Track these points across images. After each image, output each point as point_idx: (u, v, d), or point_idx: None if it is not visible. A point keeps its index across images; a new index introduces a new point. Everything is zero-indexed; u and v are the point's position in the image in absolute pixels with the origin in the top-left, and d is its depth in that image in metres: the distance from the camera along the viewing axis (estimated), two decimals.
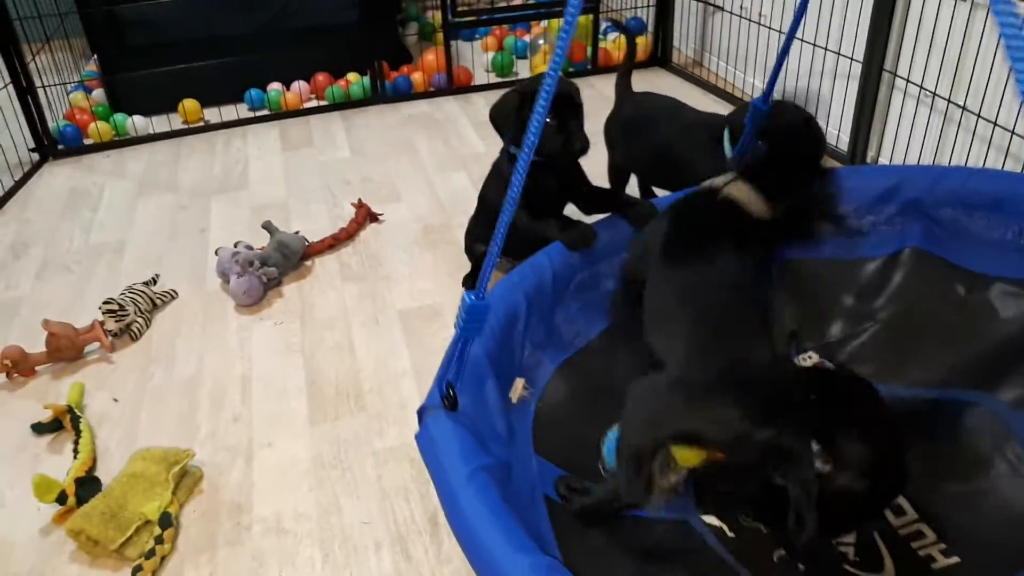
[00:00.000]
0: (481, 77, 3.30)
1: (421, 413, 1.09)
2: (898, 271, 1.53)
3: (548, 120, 1.60)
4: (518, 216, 1.15)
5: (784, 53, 1.50)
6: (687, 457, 1.10)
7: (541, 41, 3.43)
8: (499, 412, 1.18)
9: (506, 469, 1.08)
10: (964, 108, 2.00)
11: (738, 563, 1.16)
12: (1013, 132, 1.87)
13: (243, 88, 3.14)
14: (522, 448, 1.22)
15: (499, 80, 3.29)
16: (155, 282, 2.02)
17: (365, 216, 2.25)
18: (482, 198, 1.87)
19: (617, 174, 2.09)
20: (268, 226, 2.09)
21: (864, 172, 1.62)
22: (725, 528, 1.21)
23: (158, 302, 1.95)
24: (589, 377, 1.42)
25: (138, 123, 2.95)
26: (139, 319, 1.86)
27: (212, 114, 3.06)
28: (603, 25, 3.51)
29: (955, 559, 1.15)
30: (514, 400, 1.27)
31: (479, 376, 1.17)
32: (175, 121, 3.02)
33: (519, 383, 1.29)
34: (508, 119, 1.65)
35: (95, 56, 3.23)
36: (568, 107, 1.57)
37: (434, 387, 1.09)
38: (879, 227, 1.56)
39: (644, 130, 1.94)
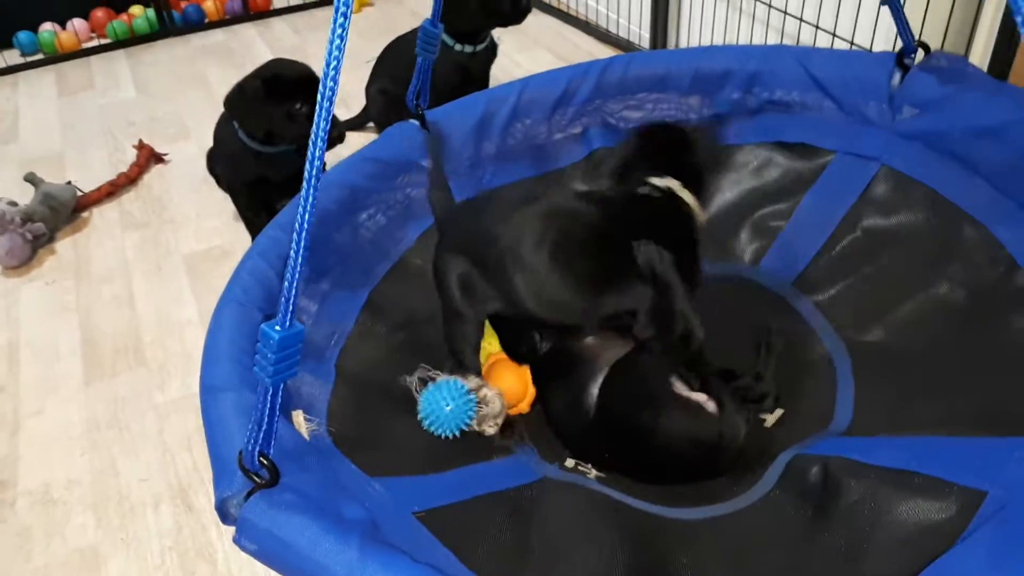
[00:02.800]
0: (281, 0, 3.08)
1: (223, 509, 0.82)
2: (598, 170, 1.52)
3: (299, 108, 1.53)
4: None
5: None
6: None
7: None
8: (308, 454, 0.96)
9: (369, 520, 0.87)
10: None
11: (631, 497, 1.08)
12: (785, 12, 1.91)
13: (10, 32, 2.81)
14: (355, 482, 1.02)
15: (301, 1, 3.08)
16: None
17: (148, 158, 2.07)
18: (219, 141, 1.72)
19: None
20: (31, 178, 1.88)
21: (534, 82, 1.52)
22: (589, 469, 1.14)
23: None
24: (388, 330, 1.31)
25: None
26: None
27: None
28: None
29: (779, 411, 1.17)
30: (306, 436, 1.03)
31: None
32: None
33: (298, 416, 1.05)
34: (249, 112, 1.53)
35: None
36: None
37: (229, 468, 0.82)
38: (565, 135, 1.54)
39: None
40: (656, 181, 1.19)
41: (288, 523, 0.78)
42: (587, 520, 1.03)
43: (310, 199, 0.71)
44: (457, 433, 1.11)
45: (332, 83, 0.67)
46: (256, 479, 0.80)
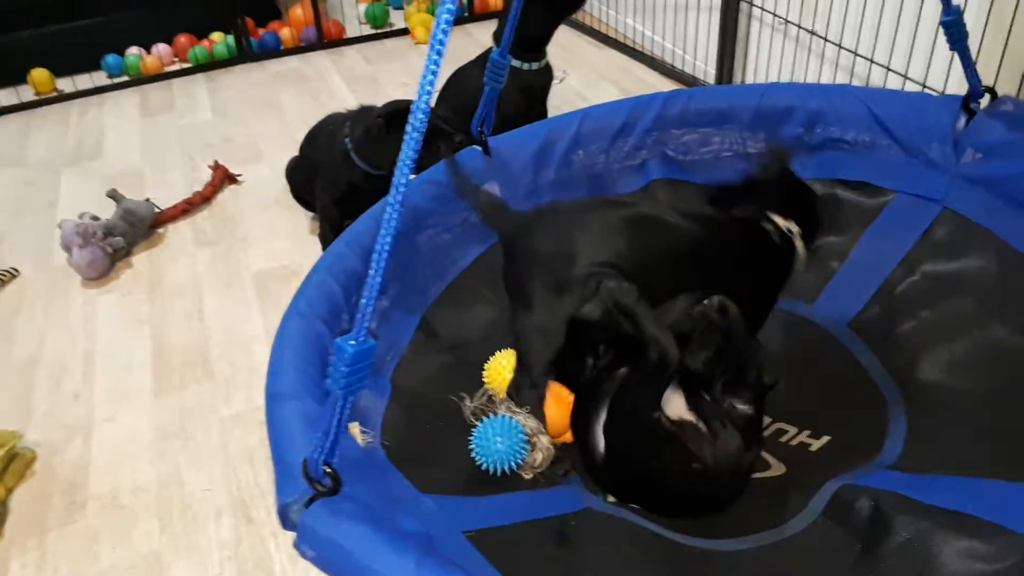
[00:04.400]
0: (354, 30, 3.18)
1: (285, 515, 0.85)
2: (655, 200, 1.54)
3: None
4: None
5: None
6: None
7: None
8: (366, 466, 1.02)
9: (425, 534, 0.91)
10: (813, 33, 2.02)
11: (672, 531, 1.09)
12: (855, 53, 1.90)
13: (99, 55, 2.96)
14: (409, 496, 1.06)
15: (372, 32, 3.18)
16: None
17: (222, 178, 2.16)
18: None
19: None
20: (114, 194, 1.98)
21: (595, 113, 1.57)
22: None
23: None
24: (441, 349, 1.34)
25: None
26: None
27: (67, 84, 2.88)
28: None
29: (826, 438, 1.17)
30: (362, 447, 1.07)
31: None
32: (25, 94, 2.84)
33: (354, 428, 1.09)
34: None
35: None
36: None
37: (292, 474, 0.86)
38: (623, 165, 1.56)
39: None
40: (779, 220, 1.20)
41: (348, 531, 0.81)
42: (628, 552, 1.04)
43: (393, 222, 0.76)
44: (503, 470, 1.13)
45: (423, 113, 0.73)
46: (319, 487, 0.83)
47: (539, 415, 1.18)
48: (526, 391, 1.18)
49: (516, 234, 1.17)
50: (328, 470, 0.84)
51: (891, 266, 1.35)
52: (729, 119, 1.54)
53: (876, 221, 1.39)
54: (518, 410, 1.18)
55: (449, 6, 0.73)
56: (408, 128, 0.73)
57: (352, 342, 0.79)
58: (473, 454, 1.14)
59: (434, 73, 0.73)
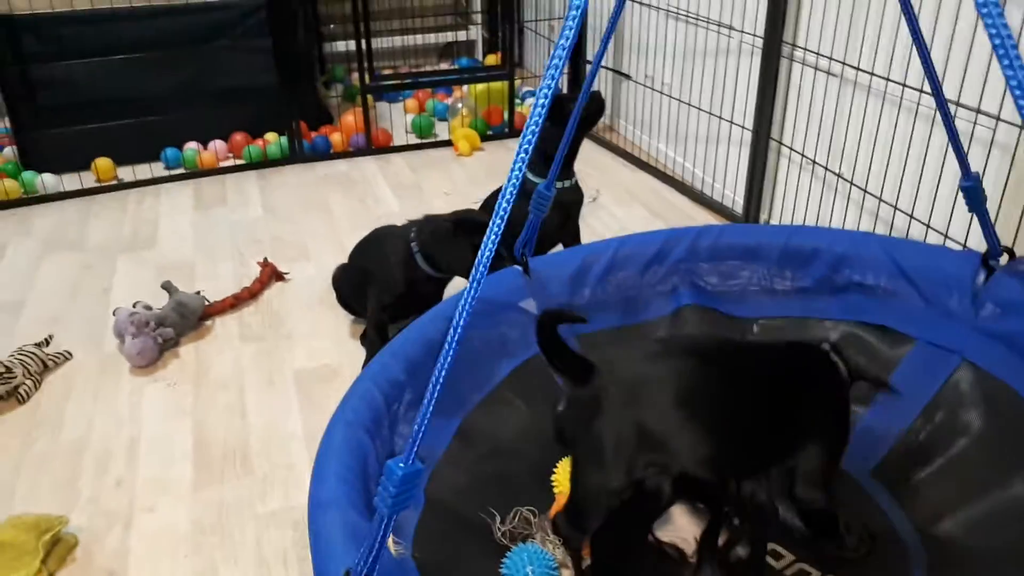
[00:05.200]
0: (400, 138, 3.36)
1: None
2: (683, 328, 1.63)
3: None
4: None
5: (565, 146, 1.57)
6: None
7: (460, 104, 3.52)
8: (401, 572, 1.07)
9: None
10: (840, 176, 2.13)
11: None
12: (880, 199, 2.00)
13: (159, 147, 3.14)
14: None
15: (418, 141, 3.36)
16: (48, 343, 1.99)
17: (270, 275, 2.27)
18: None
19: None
20: (168, 286, 2.09)
21: (631, 241, 1.68)
22: None
23: (50, 363, 1.93)
24: (477, 459, 1.39)
25: (48, 181, 2.93)
26: (28, 381, 1.84)
27: (126, 173, 3.05)
28: (520, 90, 3.62)
29: None
30: (395, 557, 1.12)
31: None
32: (87, 179, 3.01)
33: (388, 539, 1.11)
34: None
35: (6, 114, 3.20)
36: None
37: None
38: (655, 291, 1.66)
39: None
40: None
41: None
42: None
43: (453, 347, 0.84)
44: None
45: (498, 227, 0.83)
46: None
47: (573, 552, 1.22)
48: (571, 532, 1.18)
49: (598, 394, 1.16)
50: None
51: (913, 415, 1.40)
52: (757, 256, 1.63)
53: (899, 368, 1.45)
54: (551, 537, 1.22)
55: (543, 100, 0.82)
56: (484, 240, 0.82)
57: (402, 464, 0.85)
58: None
59: (515, 187, 0.83)
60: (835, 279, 1.57)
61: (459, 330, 0.84)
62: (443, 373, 0.85)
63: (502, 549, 1.25)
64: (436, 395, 0.86)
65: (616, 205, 2.70)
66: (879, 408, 1.43)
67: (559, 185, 2.05)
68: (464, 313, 0.84)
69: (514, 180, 0.83)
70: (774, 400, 1.18)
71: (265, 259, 2.31)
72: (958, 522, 1.22)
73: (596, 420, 1.13)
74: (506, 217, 0.83)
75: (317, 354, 1.96)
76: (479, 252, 0.83)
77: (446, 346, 0.85)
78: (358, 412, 1.26)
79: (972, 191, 1.31)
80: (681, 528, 1.29)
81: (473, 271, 0.84)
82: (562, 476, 1.34)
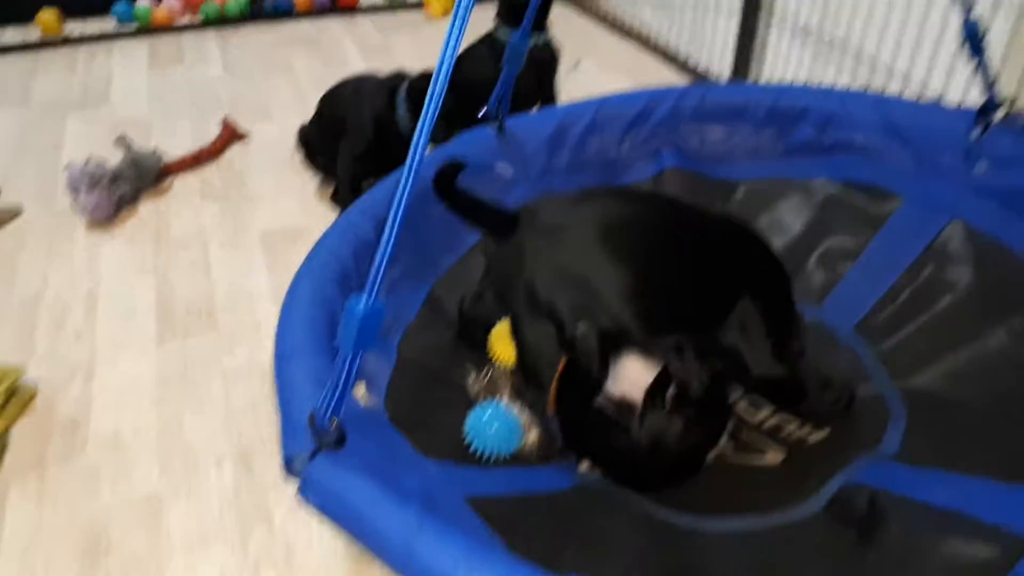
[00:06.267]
0: None
1: (289, 465, 0.89)
2: (664, 191, 1.56)
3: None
4: None
5: None
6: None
7: None
8: (370, 425, 1.03)
9: (427, 494, 0.91)
10: (832, 42, 2.05)
11: (665, 509, 1.12)
12: (874, 64, 1.93)
13: (109, 1, 2.93)
14: (411, 458, 1.06)
15: (387, 2, 3.17)
16: None
17: (231, 135, 2.16)
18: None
19: None
20: (122, 142, 1.97)
21: (612, 101, 1.59)
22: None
23: None
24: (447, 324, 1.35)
25: None
26: None
27: (76, 27, 2.85)
28: None
29: (825, 432, 1.18)
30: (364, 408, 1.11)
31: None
32: (32, 33, 2.80)
33: (359, 389, 1.11)
34: None
35: None
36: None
37: (297, 426, 0.87)
38: (636, 153, 1.58)
39: None
40: None
41: (351, 484, 0.82)
42: (620, 527, 1.06)
43: (408, 185, 0.78)
44: (491, 456, 1.14)
45: (442, 84, 0.76)
46: (323, 440, 0.84)
47: (540, 413, 1.20)
48: (532, 392, 1.18)
49: (522, 242, 1.13)
50: (333, 424, 0.86)
51: (898, 271, 1.37)
52: (743, 116, 1.56)
53: (885, 226, 1.42)
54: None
55: None
56: (428, 97, 0.75)
57: (362, 304, 0.81)
58: (466, 440, 1.16)
59: (454, 47, 0.76)
60: (823, 139, 1.51)
61: (412, 174, 0.78)
62: (400, 208, 0.79)
63: (473, 405, 1.22)
64: (395, 228, 0.80)
65: (598, 72, 2.59)
66: (864, 264, 1.41)
67: (540, 41, 1.94)
68: (415, 161, 0.78)
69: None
70: (703, 260, 1.13)
71: (225, 118, 2.19)
72: (939, 375, 1.21)
73: (521, 270, 1.11)
74: (452, 63, 0.77)
75: (283, 215, 1.88)
76: (429, 103, 0.76)
77: (401, 182, 0.78)
78: (326, 267, 1.20)
79: (973, 30, 1.24)
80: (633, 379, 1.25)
81: (424, 110, 0.77)
82: (496, 341, 1.29)
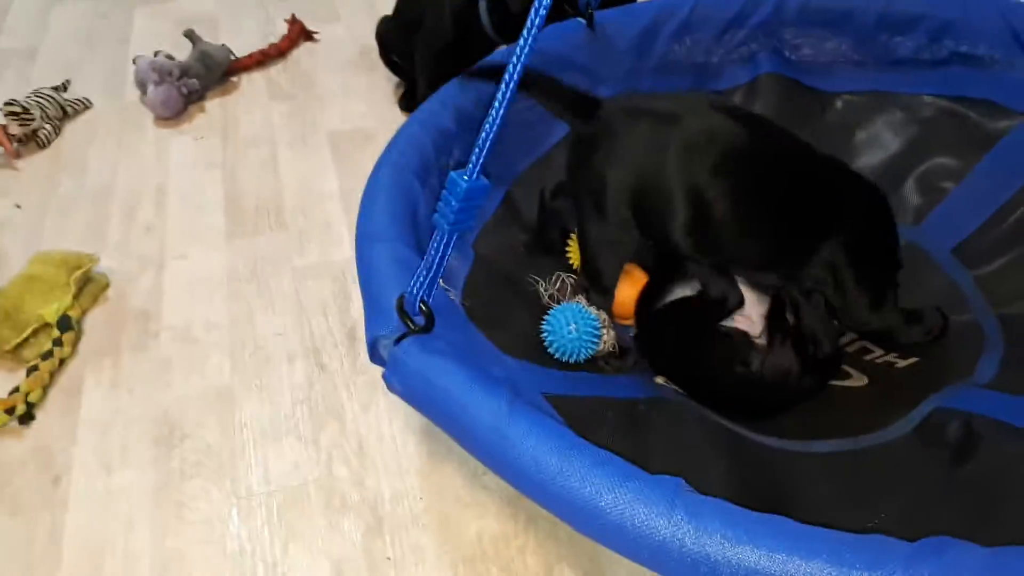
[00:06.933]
0: None
1: (374, 348, 0.85)
2: (758, 100, 1.47)
3: None
4: None
5: None
6: None
7: None
8: (452, 317, 1.00)
9: (512, 381, 0.89)
10: None
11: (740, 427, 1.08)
12: None
13: None
14: (490, 351, 1.05)
15: None
16: (66, 88, 1.87)
17: (299, 33, 2.09)
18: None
19: None
20: (191, 35, 1.93)
21: (706, 3, 1.47)
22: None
23: (69, 110, 1.81)
24: (522, 228, 1.31)
25: None
26: (47, 125, 1.73)
27: None
28: None
29: (914, 359, 1.13)
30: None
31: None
32: None
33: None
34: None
35: None
36: None
37: (384, 309, 0.85)
38: (732, 56, 1.48)
39: None
40: None
41: (441, 368, 0.80)
42: (695, 439, 1.01)
43: (523, 60, 0.72)
44: (568, 357, 1.11)
45: None
46: (411, 324, 0.82)
47: (608, 314, 1.16)
48: (596, 296, 1.15)
49: (600, 132, 1.07)
50: (424, 308, 0.83)
51: (1007, 195, 1.28)
52: (850, 21, 1.45)
53: (997, 145, 1.32)
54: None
55: None
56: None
57: (465, 177, 0.78)
58: (544, 339, 1.12)
59: None
60: (936, 50, 1.40)
61: (515, 76, 0.73)
62: (513, 77, 0.73)
63: (546, 310, 1.18)
64: (505, 100, 0.75)
65: None
66: (969, 185, 1.31)
67: None
68: (521, 61, 0.72)
69: None
70: (797, 193, 1.04)
71: (293, 16, 2.12)
72: None
73: (593, 158, 1.06)
74: None
75: (352, 117, 1.83)
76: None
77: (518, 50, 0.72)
78: (406, 155, 1.16)
79: None
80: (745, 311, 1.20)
81: (531, 15, 0.70)
82: (575, 247, 1.24)
